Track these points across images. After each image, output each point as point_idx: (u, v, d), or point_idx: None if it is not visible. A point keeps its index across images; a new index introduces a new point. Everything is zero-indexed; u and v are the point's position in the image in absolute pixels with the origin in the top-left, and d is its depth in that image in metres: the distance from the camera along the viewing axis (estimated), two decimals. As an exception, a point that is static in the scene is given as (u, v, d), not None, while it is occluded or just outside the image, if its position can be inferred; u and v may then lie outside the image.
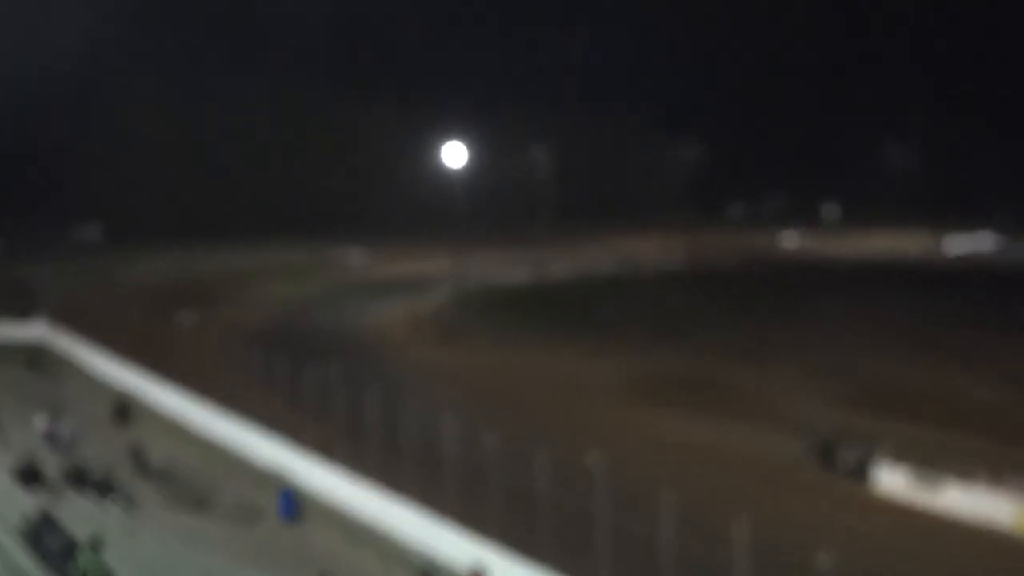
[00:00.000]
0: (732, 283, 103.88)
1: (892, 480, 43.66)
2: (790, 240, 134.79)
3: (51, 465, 34.36)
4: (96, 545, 24.41)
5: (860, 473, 44.73)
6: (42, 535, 25.00)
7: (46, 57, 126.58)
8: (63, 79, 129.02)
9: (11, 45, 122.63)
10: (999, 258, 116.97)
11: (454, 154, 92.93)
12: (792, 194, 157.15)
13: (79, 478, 33.72)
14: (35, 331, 65.65)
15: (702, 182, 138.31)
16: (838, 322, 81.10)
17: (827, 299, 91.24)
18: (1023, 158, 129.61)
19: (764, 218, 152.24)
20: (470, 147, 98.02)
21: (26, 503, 28.63)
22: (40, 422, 41.12)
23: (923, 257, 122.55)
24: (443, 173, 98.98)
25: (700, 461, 45.66)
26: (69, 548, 24.01)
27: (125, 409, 50.70)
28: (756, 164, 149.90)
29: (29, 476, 31.49)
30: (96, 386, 56.22)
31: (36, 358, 59.45)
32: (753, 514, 27.87)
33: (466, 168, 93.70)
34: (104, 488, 34.06)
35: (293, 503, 39.37)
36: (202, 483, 40.85)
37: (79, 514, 30.20)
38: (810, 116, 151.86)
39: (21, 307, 66.58)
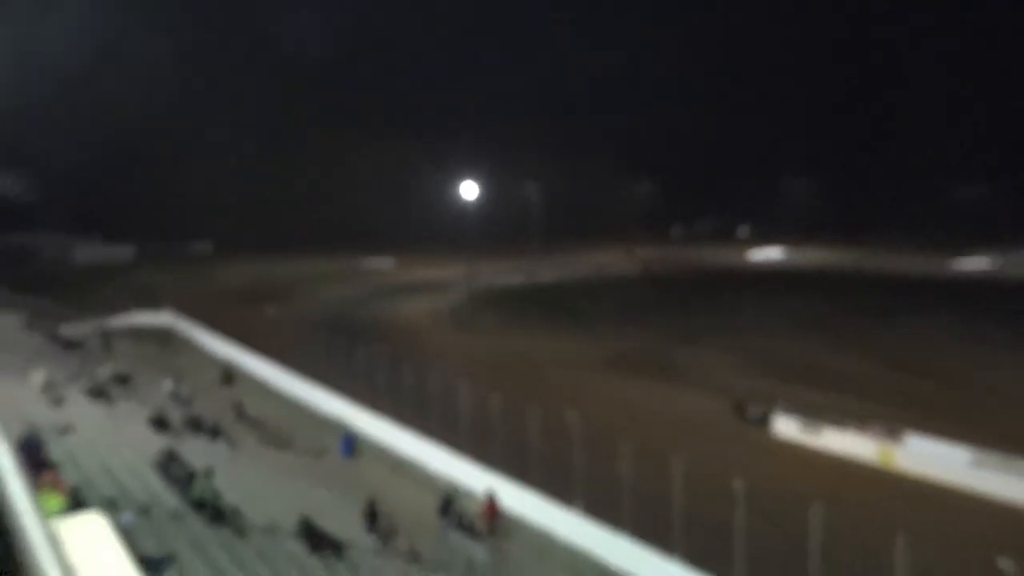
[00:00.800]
0: (674, 285, 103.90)
1: (787, 427, 44.09)
2: (718, 253, 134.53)
3: (175, 416, 34.64)
4: (208, 474, 24.73)
5: (764, 423, 45.11)
6: (169, 466, 25.29)
7: (174, 98, 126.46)
8: (184, 120, 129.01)
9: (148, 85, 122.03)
10: (873, 266, 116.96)
11: (469, 189, 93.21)
12: (717, 218, 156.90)
13: (195, 425, 34.00)
14: (164, 319, 65.96)
15: (651, 209, 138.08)
16: (753, 314, 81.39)
17: (745, 297, 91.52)
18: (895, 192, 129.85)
19: (697, 236, 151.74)
20: (480, 183, 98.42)
21: (158, 443, 28.93)
22: (167, 384, 41.39)
23: (817, 266, 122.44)
24: (460, 202, 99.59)
25: (650, 415, 46.06)
26: (189, 476, 24.31)
27: (229, 375, 51.01)
28: (690, 195, 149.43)
29: (160, 424, 31.79)
30: (208, 358, 56.48)
31: (165, 338, 59.72)
32: (687, 453, 28.28)
33: (477, 199, 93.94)
34: (214, 432, 34.34)
35: (351, 443, 39.69)
36: (284, 429, 41.12)
37: (196, 452, 30.51)
38: (731, 156, 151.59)
39: (155, 301, 66.92)
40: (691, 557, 26.60)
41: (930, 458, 38.03)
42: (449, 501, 30.63)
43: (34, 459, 20.81)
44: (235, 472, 29.65)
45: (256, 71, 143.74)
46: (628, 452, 28.46)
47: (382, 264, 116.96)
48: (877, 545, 22.17)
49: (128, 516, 19.76)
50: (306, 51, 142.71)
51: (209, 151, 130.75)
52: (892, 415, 43.47)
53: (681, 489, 26.93)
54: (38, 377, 32.23)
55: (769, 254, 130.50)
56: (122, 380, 38.16)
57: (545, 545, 30.13)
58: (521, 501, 31.89)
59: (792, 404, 45.95)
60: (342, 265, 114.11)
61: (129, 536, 17.04)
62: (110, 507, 20.36)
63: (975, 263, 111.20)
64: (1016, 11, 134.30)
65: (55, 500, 18.17)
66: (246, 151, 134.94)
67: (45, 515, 13.38)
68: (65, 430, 27.03)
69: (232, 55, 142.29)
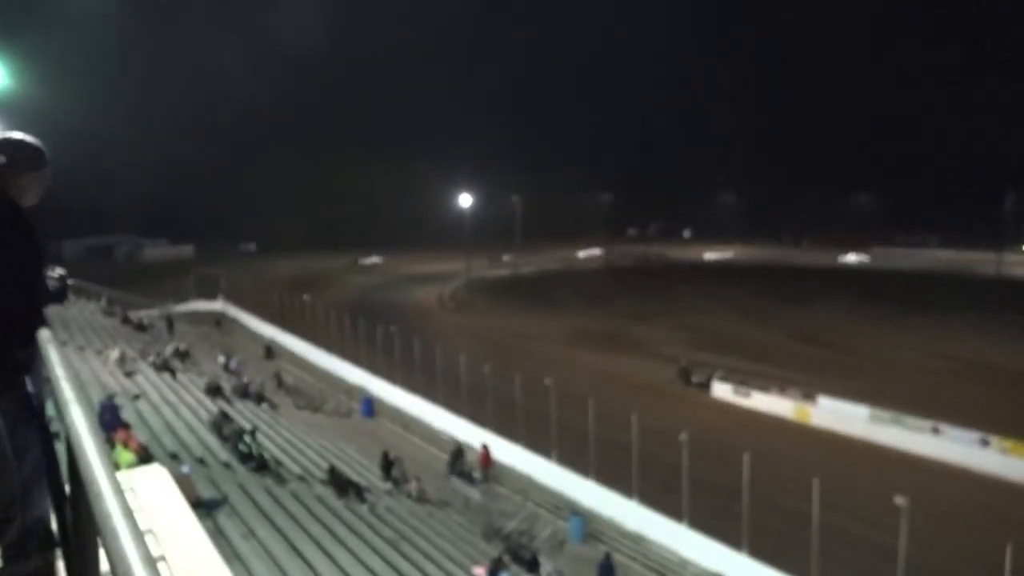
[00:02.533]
0: (631, 276, 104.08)
1: (723, 391, 44.12)
2: (664, 250, 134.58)
3: (227, 385, 34.32)
4: (254, 432, 24.48)
5: (704, 387, 45.13)
6: (222, 426, 24.99)
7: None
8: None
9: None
10: (785, 260, 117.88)
11: (465, 199, 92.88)
12: (664, 221, 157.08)
13: (243, 392, 33.68)
14: (218, 305, 65.42)
15: (611, 214, 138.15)
16: (694, 299, 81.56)
17: (688, 285, 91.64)
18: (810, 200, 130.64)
19: (648, 237, 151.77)
20: (474, 195, 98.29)
21: (212, 407, 28.63)
22: (220, 358, 41.04)
23: (744, 261, 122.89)
24: (458, 210, 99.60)
25: (611, 379, 46.09)
26: (239, 434, 24.04)
27: (270, 350, 50.61)
28: (643, 202, 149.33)
29: (214, 391, 31.45)
30: (254, 337, 56.04)
31: (218, 321, 59.20)
32: (642, 410, 28.20)
33: (471, 207, 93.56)
34: (258, 398, 34.03)
35: (371, 406, 39.48)
36: (316, 394, 40.86)
37: (243, 414, 30.24)
38: (675, 170, 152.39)
39: (210, 291, 66.38)
40: (646, 495, 26.56)
41: (836, 415, 38.15)
42: (458, 454, 30.51)
43: (111, 420, 20.49)
44: (275, 430, 29.43)
45: (297, 106, 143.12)
46: (593, 409, 28.39)
47: (390, 260, 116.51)
48: (796, 485, 22.14)
49: (187, 466, 19.50)
50: (343, 82, 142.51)
51: (254, 167, 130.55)
52: (803, 380, 43.69)
53: (638, 438, 26.87)
54: (114, 354, 31.80)
55: (708, 252, 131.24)
56: (183, 355, 37.70)
57: (528, 486, 30.05)
58: (509, 452, 31.81)
59: (726, 371, 46.09)
60: (363, 260, 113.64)
61: (187, 483, 16.81)
62: (173, 460, 20.12)
63: (857, 257, 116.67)
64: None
65: (128, 455, 17.89)
66: (286, 168, 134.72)
67: (120, 468, 13.16)
68: (136, 397, 26.67)
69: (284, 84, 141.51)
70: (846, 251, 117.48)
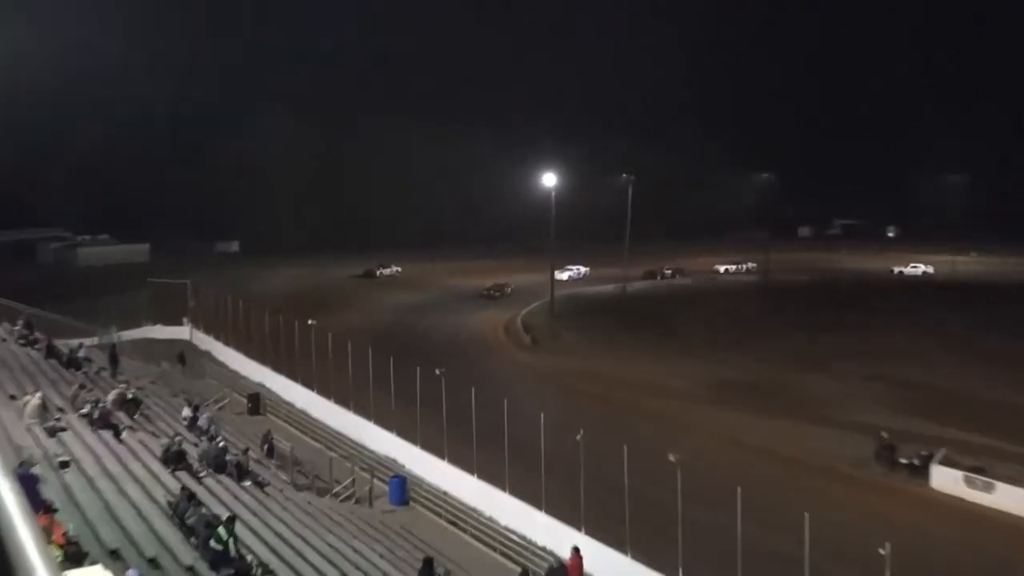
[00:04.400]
0: (800, 297, 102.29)
1: (948, 479, 42.56)
2: (854, 258, 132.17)
3: (194, 450, 34.86)
4: (232, 523, 24.72)
5: (919, 472, 43.75)
6: (186, 512, 25.31)
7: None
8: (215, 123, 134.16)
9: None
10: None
11: (548, 180, 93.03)
12: (857, 216, 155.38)
13: (218, 462, 34.11)
14: (183, 332, 67.12)
15: (773, 205, 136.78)
16: (895, 333, 79.55)
17: (885, 312, 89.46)
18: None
19: (830, 238, 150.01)
20: (565, 175, 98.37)
21: (172, 484, 29.10)
22: (185, 410, 41.75)
23: (973, 276, 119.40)
24: (531, 197, 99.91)
25: (773, 459, 45.34)
26: (210, 524, 24.28)
27: (258, 401, 51.48)
28: (824, 190, 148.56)
29: (175, 459, 31.94)
30: (234, 380, 57.20)
31: (184, 355, 60.33)
32: (820, 507, 27.43)
33: (561, 193, 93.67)
34: (239, 472, 34.43)
35: (402, 489, 39.57)
36: (324, 468, 41.25)
37: (217, 495, 30.64)
38: (876, 147, 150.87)
39: (173, 310, 68.10)
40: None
41: None
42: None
43: (26, 499, 20.94)
44: (263, 520, 29.69)
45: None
46: (744, 503, 27.65)
47: (426, 267, 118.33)
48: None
49: (134, 572, 19.76)
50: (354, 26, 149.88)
51: (235, 142, 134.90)
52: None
53: (816, 549, 26.02)
54: (33, 400, 32.63)
55: (916, 261, 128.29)
56: (131, 405, 38.56)
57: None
58: (613, 564, 31.35)
59: (951, 449, 44.66)
60: (382, 270, 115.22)
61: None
62: (114, 561, 20.41)
63: None
64: None
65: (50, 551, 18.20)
66: (279, 143, 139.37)
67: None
68: (64, 465, 27.28)
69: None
70: None
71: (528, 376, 66.02)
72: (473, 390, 39.48)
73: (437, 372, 42.02)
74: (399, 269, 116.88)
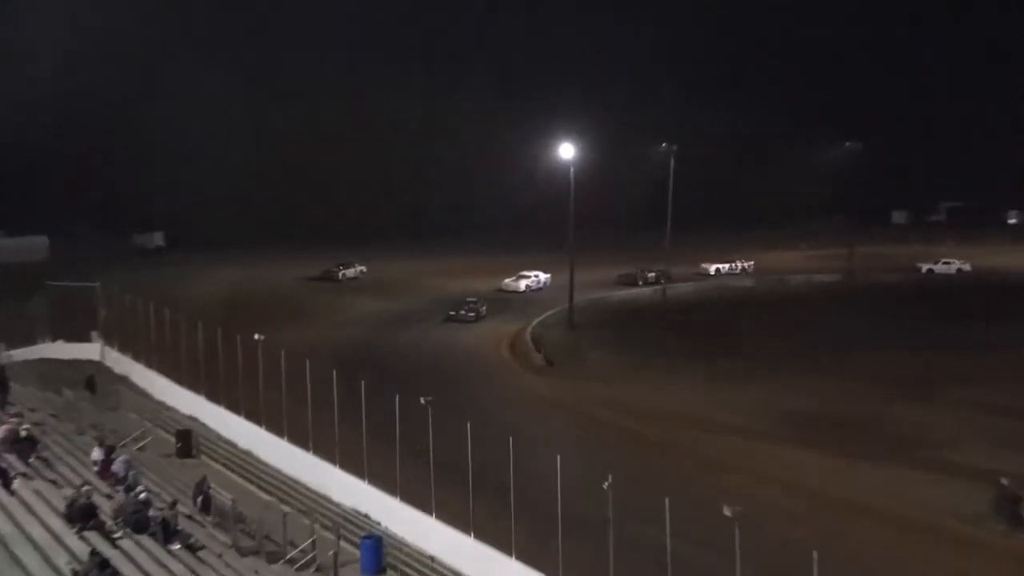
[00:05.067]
0: (891, 302, 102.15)
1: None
2: (966, 251, 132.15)
3: (106, 503, 34.84)
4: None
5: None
6: (97, 583, 25.33)
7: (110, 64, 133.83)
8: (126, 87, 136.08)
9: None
10: None
11: (566, 151, 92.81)
12: (968, 200, 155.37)
13: (137, 519, 34.09)
14: (92, 350, 66.99)
15: (859, 187, 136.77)
16: (1014, 350, 79.12)
17: (1004, 324, 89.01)
18: None
19: (933, 226, 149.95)
20: (587, 146, 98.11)
21: (79, 547, 29.08)
22: (95, 451, 41.71)
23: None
24: (554, 177, 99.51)
25: (859, 512, 45.24)
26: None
27: (188, 440, 51.40)
28: (924, 167, 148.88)
29: (83, 515, 31.89)
30: (157, 413, 57.16)
31: (93, 380, 60.26)
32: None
33: (583, 170, 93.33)
34: (166, 532, 34.37)
35: (378, 553, 39.40)
36: (274, 526, 41.12)
37: (137, 562, 30.61)
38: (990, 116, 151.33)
39: (79, 322, 68.02)
40: None
41: None
42: None
43: None
44: (197, 594, 29.70)
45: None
46: (826, 572, 27.64)
47: (407, 266, 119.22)
48: None
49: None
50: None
51: (162, 113, 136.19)
52: None
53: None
54: None
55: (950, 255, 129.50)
56: (25, 446, 38.60)
57: None
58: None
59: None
60: (343, 270, 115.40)
61: None
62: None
63: None
64: None
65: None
66: (217, 114, 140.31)
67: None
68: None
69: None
70: None
71: (540, 407, 66.08)
72: (468, 425, 39.38)
73: (422, 401, 41.85)
74: (364, 269, 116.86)
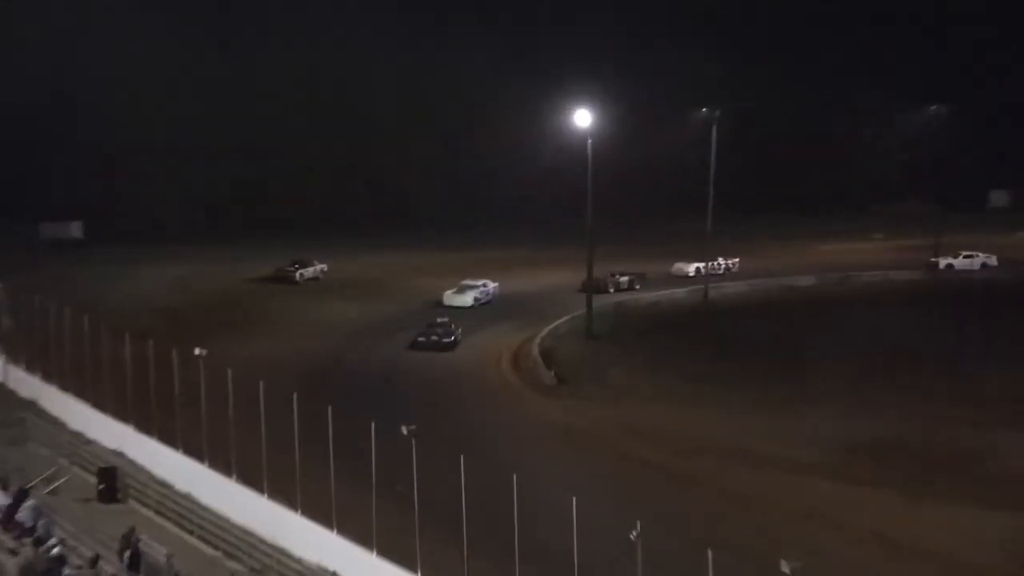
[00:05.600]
0: (995, 303, 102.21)
1: None
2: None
3: (10, 560, 34.76)
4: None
5: None
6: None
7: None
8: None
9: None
10: None
11: (582, 117, 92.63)
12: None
13: (48, 579, 34.00)
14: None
15: (949, 162, 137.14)
16: None
17: None
18: None
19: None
20: (609, 113, 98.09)
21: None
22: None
23: None
24: (572, 148, 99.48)
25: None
26: None
27: (113, 480, 51.23)
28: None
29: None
30: (72, 446, 56.97)
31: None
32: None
33: (603, 143, 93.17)
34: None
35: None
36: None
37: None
38: None
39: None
40: None
41: None
42: None
43: None
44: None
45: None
46: None
47: (379, 264, 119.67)
48: None
49: None
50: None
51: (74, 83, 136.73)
52: None
53: None
54: None
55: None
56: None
57: None
58: None
59: None
60: (300, 270, 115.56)
61: None
62: None
63: None
64: None
65: None
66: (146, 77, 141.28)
67: None
68: None
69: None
70: None
71: (551, 437, 66.03)
72: (462, 459, 39.19)
73: (404, 431, 41.65)
74: (324, 268, 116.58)
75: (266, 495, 47.54)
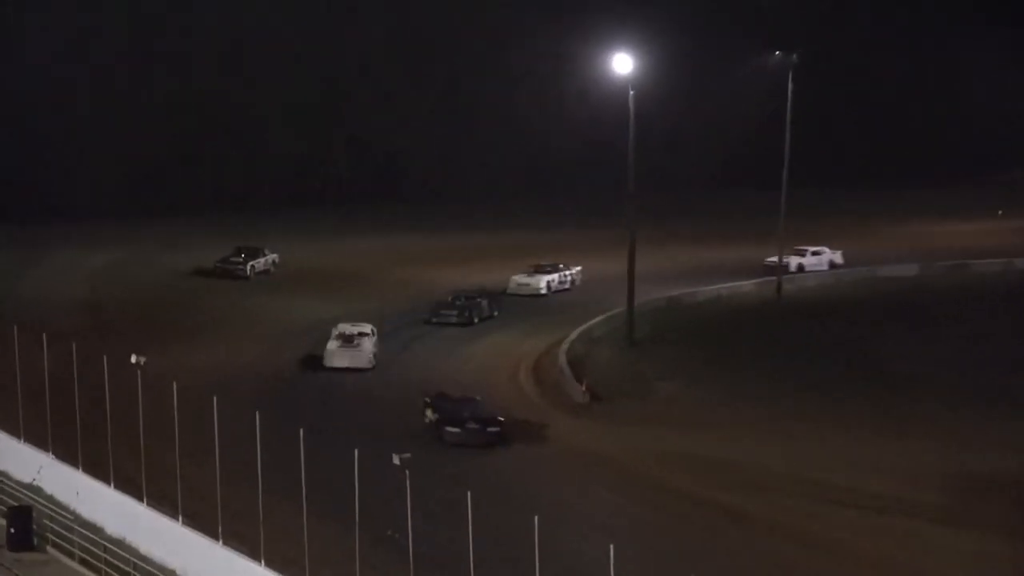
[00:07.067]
0: None
1: None
2: None
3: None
4: None
5: None
6: None
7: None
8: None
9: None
10: None
11: (622, 62, 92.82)
12: None
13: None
14: None
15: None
16: None
17: None
18: None
19: None
20: (655, 59, 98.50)
21: None
22: None
23: None
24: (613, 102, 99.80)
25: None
26: None
27: (26, 522, 51.58)
28: None
29: None
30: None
31: None
32: None
33: (645, 97, 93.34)
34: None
35: None
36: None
37: None
38: None
39: None
40: None
41: None
42: None
43: None
44: None
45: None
46: None
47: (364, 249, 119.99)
48: None
49: None
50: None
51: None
52: None
53: None
54: None
55: None
56: None
57: None
58: None
59: None
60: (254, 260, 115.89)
61: None
62: None
63: None
64: None
65: None
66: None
67: None
68: None
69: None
70: None
71: (582, 468, 65.89)
72: (468, 495, 39.50)
73: (396, 461, 41.94)
74: (276, 258, 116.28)
75: (220, 542, 47.80)
